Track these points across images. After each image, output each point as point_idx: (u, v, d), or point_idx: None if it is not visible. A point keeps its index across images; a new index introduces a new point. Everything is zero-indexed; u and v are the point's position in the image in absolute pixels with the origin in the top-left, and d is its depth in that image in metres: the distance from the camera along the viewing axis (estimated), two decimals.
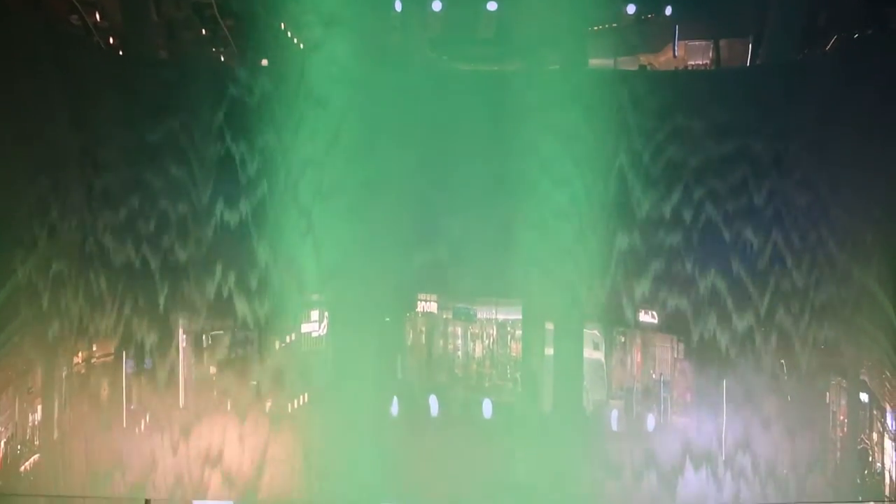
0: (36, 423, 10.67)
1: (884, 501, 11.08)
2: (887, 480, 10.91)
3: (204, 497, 10.99)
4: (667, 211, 11.55)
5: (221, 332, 11.28)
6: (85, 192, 11.46)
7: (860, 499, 11.01)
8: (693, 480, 11.19)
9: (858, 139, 10.54)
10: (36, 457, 10.52)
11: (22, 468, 10.37)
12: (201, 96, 11.50)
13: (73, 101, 11.09)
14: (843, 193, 11.04)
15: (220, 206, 11.34)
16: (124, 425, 11.19)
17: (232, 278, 11.19)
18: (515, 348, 11.68)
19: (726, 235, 11.54)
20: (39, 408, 10.72)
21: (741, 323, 11.42)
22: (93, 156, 11.50)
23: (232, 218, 11.33)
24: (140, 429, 11.23)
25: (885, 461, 11.02)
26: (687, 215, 11.55)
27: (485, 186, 11.43)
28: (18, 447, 10.42)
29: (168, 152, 11.49)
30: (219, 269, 11.21)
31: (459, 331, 11.63)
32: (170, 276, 11.25)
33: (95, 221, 11.39)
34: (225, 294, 11.19)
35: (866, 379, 11.11)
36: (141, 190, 11.48)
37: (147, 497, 9.91)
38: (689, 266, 11.52)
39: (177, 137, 11.53)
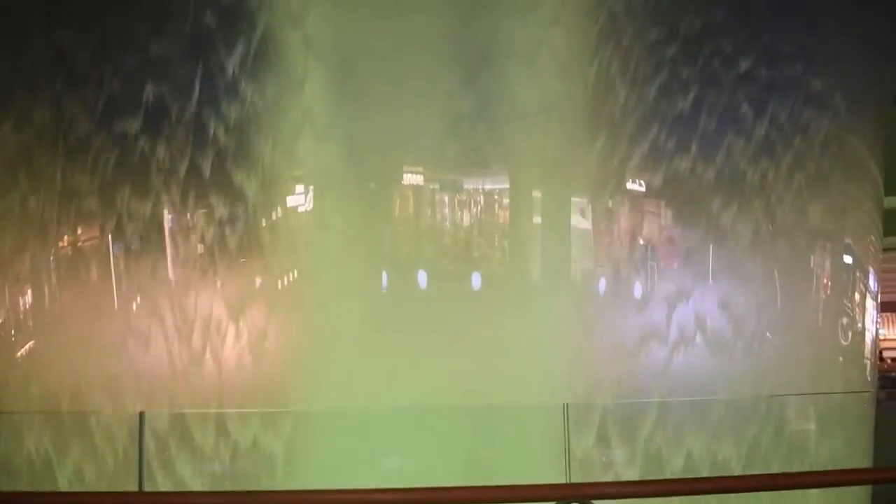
0: (27, 308, 10.71)
1: (865, 358, 11.47)
2: (867, 339, 11.26)
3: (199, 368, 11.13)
4: (659, 77, 11.29)
5: (206, 210, 11.11)
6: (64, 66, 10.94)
7: (841, 359, 11.38)
8: (674, 342, 11.42)
9: (862, 19, 10.25)
10: (31, 342, 10.64)
11: (18, 354, 10.50)
12: None
13: None
14: (832, 62, 10.85)
15: (202, 80, 10.92)
16: (116, 307, 11.20)
17: (216, 155, 10.95)
18: (503, 217, 11.59)
19: (719, 103, 11.36)
20: (29, 292, 10.76)
21: (729, 190, 11.41)
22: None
23: (217, 93, 10.94)
24: (130, 309, 11.25)
25: (867, 321, 11.34)
26: (677, 84, 11.30)
27: (472, 53, 11.08)
28: (12, 332, 10.50)
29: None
30: (204, 147, 10.93)
31: (447, 200, 11.48)
32: (154, 154, 10.98)
33: (75, 100, 10.99)
34: (210, 172, 10.98)
35: (850, 242, 11.27)
36: (123, 64, 11.02)
37: (141, 411, 9.82)
38: (677, 133, 11.37)
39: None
